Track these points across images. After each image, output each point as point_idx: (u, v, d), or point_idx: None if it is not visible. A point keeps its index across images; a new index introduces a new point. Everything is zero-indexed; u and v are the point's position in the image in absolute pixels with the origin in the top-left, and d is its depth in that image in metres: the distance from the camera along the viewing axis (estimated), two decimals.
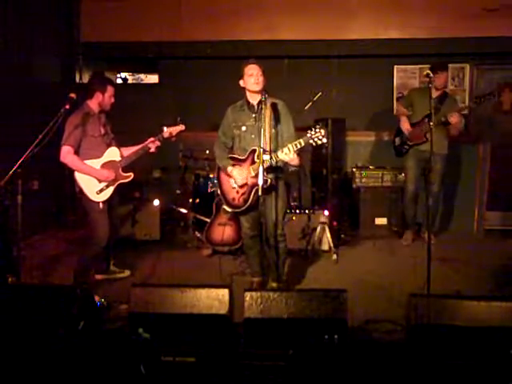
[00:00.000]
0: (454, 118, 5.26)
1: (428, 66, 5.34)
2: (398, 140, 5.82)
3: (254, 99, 4.04)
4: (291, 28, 6.70)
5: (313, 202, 6.42)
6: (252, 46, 6.67)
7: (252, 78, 3.96)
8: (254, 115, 4.01)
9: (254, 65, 3.99)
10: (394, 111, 6.65)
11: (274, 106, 4.02)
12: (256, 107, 4.01)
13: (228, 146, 4.21)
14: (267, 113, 3.95)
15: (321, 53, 6.82)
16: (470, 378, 2.83)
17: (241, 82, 4.06)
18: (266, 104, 3.88)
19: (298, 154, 3.88)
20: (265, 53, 6.28)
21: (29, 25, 6.05)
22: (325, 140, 3.70)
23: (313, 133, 3.69)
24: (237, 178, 4.04)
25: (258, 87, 3.95)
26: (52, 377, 2.93)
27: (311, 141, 3.71)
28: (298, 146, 3.78)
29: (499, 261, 5.10)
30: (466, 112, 5.37)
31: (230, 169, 4.07)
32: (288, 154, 3.79)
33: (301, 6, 6.67)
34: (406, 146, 5.72)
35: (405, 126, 5.68)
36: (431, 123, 4.25)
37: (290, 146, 3.79)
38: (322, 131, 3.69)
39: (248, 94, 4.06)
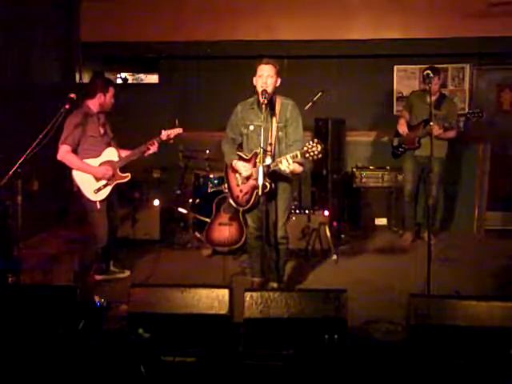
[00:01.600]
0: (435, 131, 5.17)
1: (428, 66, 5.34)
2: (396, 141, 5.83)
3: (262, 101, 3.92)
4: (291, 28, 6.69)
5: (313, 202, 6.42)
6: (252, 45, 6.67)
7: (260, 80, 3.90)
8: (262, 115, 3.84)
9: (265, 65, 3.91)
10: (394, 111, 6.66)
11: (284, 107, 4.01)
12: (266, 107, 3.84)
13: (237, 143, 4.19)
14: (275, 114, 3.94)
15: (321, 53, 6.82)
16: (470, 378, 2.83)
17: (254, 80, 3.99)
18: (273, 105, 3.86)
19: (301, 164, 3.84)
20: (265, 53, 6.22)
21: (29, 25, 6.05)
22: (320, 156, 3.64)
23: (310, 147, 3.63)
24: (241, 170, 4.03)
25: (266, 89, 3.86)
26: (52, 377, 2.93)
27: (307, 154, 3.65)
28: (295, 158, 3.73)
29: (499, 261, 5.10)
30: (450, 125, 5.38)
31: (234, 162, 4.07)
32: (288, 166, 3.75)
33: (301, 5, 6.66)
34: (400, 149, 5.74)
35: (401, 128, 5.68)
36: (431, 124, 4.25)
37: (288, 157, 3.75)
38: (319, 147, 3.62)
39: (259, 92, 3.97)
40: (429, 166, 4.94)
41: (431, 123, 4.48)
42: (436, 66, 5.51)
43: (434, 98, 5.50)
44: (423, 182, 5.78)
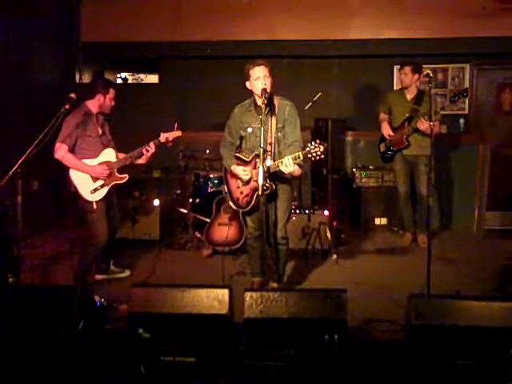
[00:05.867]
0: (421, 125, 5.15)
1: (428, 66, 5.35)
2: (382, 146, 5.75)
3: (261, 101, 3.88)
4: (291, 28, 6.70)
5: (313, 202, 6.42)
6: (252, 45, 6.68)
7: (259, 82, 3.85)
8: (260, 117, 3.79)
9: (259, 67, 3.86)
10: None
11: (282, 108, 3.99)
12: (263, 109, 3.80)
13: (235, 145, 4.17)
14: (274, 115, 3.94)
15: (321, 53, 6.83)
16: (470, 378, 2.83)
17: (247, 84, 3.96)
18: (271, 106, 3.86)
19: (300, 166, 3.83)
20: (265, 53, 6.28)
21: (29, 25, 6.05)
22: (322, 156, 3.63)
23: (312, 147, 3.62)
24: (241, 175, 4.01)
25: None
26: (52, 377, 2.93)
27: (309, 155, 3.63)
28: (297, 159, 3.71)
29: (499, 261, 5.10)
30: (439, 115, 5.32)
31: (233, 167, 4.06)
32: (289, 167, 3.72)
33: (300, 5, 6.67)
34: (390, 152, 5.66)
35: (386, 131, 5.63)
36: (429, 121, 4.20)
37: (289, 158, 3.72)
38: (321, 147, 3.60)
39: (255, 95, 3.97)
40: (431, 162, 4.94)
41: (427, 120, 4.42)
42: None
43: (412, 94, 5.50)
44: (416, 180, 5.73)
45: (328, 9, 6.67)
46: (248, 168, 4.01)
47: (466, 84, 6.91)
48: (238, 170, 4.03)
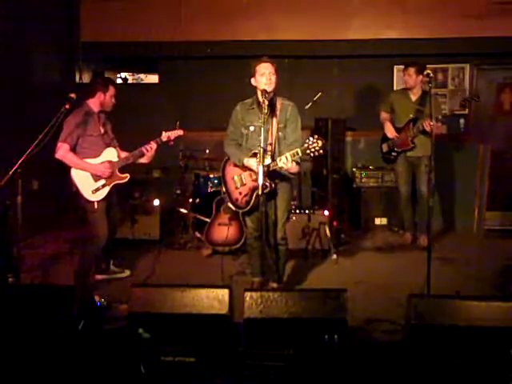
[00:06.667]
0: (428, 126, 5.11)
1: (428, 66, 5.34)
2: (385, 147, 5.72)
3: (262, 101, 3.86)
4: (291, 28, 6.71)
5: (313, 202, 6.42)
6: (252, 45, 6.68)
7: (264, 78, 3.87)
8: (263, 116, 3.77)
9: (266, 63, 3.90)
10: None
11: (284, 108, 4.00)
12: (266, 108, 3.77)
13: (239, 143, 4.16)
14: (275, 115, 3.94)
15: (321, 53, 6.83)
16: (470, 378, 2.83)
17: (252, 81, 3.97)
18: (273, 106, 3.86)
19: (298, 163, 3.84)
20: (265, 53, 6.23)
21: (29, 25, 6.06)
22: (322, 152, 3.63)
23: (310, 143, 3.62)
24: (254, 167, 3.91)
25: (270, 88, 3.86)
26: (52, 377, 2.93)
27: (308, 151, 3.64)
28: (295, 156, 3.72)
29: (499, 261, 5.10)
30: (442, 118, 5.31)
31: (246, 160, 3.97)
32: (286, 163, 3.74)
33: (301, 5, 6.68)
34: (393, 153, 5.63)
35: (390, 132, 5.60)
36: (428, 123, 4.21)
37: (287, 154, 3.74)
38: (320, 142, 3.60)
39: (259, 93, 3.96)
40: (419, 165, 4.88)
41: (430, 121, 4.42)
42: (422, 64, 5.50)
43: (417, 95, 5.50)
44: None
45: (328, 9, 6.68)
46: (248, 176, 4.01)
47: (467, 84, 6.91)
48: (252, 162, 3.93)
